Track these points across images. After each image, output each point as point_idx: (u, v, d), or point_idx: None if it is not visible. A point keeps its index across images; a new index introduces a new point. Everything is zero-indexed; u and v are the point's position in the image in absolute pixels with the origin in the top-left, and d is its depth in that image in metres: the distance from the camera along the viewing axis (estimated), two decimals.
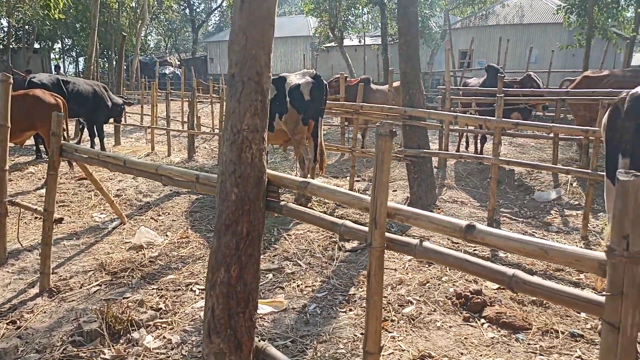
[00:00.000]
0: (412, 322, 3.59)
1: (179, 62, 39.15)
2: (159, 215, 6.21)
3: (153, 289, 4.13)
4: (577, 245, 5.27)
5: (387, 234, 1.82)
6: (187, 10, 49.31)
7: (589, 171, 5.43)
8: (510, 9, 28.50)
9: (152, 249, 5.05)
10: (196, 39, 47.57)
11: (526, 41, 23.90)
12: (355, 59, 27.35)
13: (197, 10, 52.41)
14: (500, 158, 6.18)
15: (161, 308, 3.76)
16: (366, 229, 1.92)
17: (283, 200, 2.34)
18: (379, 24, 21.98)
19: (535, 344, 3.29)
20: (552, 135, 8.17)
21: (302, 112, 6.24)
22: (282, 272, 4.49)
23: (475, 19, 28.20)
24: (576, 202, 6.81)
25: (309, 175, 6.61)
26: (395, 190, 7.64)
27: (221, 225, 2.22)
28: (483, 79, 9.30)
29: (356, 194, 2.06)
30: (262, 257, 4.83)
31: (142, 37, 33.65)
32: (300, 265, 4.63)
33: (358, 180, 8.44)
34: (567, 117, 12.45)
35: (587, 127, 6.00)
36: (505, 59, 18.22)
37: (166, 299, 3.92)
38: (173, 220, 5.99)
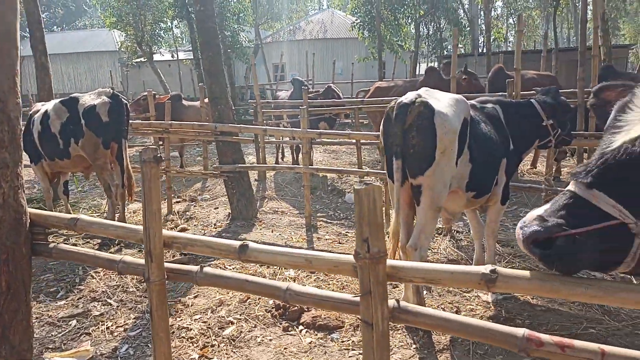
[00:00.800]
0: (233, 342, 3.53)
1: None
2: None
3: None
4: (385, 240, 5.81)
5: (166, 264, 1.72)
6: None
7: (384, 171, 6.04)
8: (314, 24, 30.61)
9: None
10: None
11: (331, 55, 25.92)
12: (169, 74, 26.38)
13: None
14: (309, 166, 6.53)
15: None
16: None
17: (53, 241, 2.06)
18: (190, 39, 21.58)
19: (348, 340, 3.50)
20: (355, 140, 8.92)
21: (101, 135, 5.72)
22: (88, 315, 4.02)
23: (285, 34, 29.64)
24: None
25: (119, 203, 6.09)
26: (217, 208, 7.52)
27: None
28: (291, 92, 9.76)
29: (130, 226, 1.92)
30: (64, 302, 4.31)
31: None
32: (111, 304, 4.21)
33: (179, 201, 8.10)
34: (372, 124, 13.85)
35: (378, 133, 6.69)
36: (313, 71, 19.46)
37: None
38: None
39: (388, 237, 5.06)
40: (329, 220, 6.71)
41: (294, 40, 28.89)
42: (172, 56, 27.11)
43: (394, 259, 3.59)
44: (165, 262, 1.81)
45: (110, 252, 5.48)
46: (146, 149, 1.66)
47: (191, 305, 4.06)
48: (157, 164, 1.65)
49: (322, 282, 4.46)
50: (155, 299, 1.70)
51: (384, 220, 6.07)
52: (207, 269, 1.68)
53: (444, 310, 3.81)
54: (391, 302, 1.43)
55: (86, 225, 1.92)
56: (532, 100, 4.32)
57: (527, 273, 1.33)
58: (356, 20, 20.36)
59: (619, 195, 1.23)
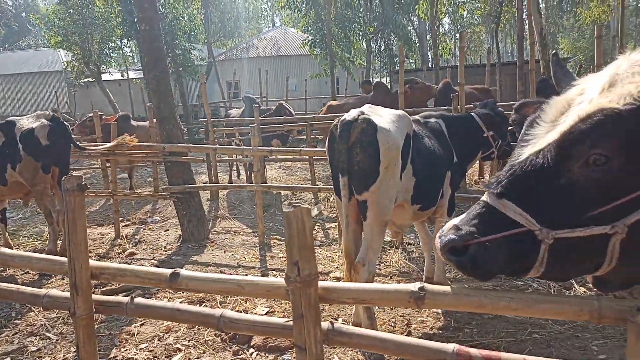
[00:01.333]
0: None
1: None
2: None
3: None
4: (336, 255, 5.81)
5: (95, 297, 1.64)
6: None
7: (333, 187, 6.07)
8: (267, 42, 30.77)
9: None
10: None
11: (284, 72, 26.05)
12: (120, 93, 25.73)
13: None
14: (262, 184, 6.48)
15: None
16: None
17: None
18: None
19: None
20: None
21: (40, 159, 5.48)
22: (24, 352, 3.79)
23: (238, 51, 29.58)
24: (334, 215, 7.55)
25: (61, 229, 5.82)
26: (168, 230, 7.33)
27: None
28: (242, 110, 9.71)
29: (54, 258, 1.82)
30: None
31: None
32: (50, 338, 3.99)
33: (127, 225, 7.84)
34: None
35: None
36: (267, 88, 19.47)
37: None
38: None
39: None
40: (283, 238, 6.63)
41: (248, 57, 28.89)
42: (122, 75, 26.47)
43: (349, 277, 3.57)
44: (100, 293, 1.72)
45: (50, 282, 5.21)
46: (70, 176, 1.59)
47: (137, 334, 3.90)
48: (81, 192, 1.57)
49: (274, 302, 4.39)
50: (82, 335, 1.61)
51: (339, 236, 6.10)
52: (137, 300, 1.61)
53: (395, 323, 3.83)
54: (325, 324, 1.41)
55: (7, 258, 1.80)
56: (472, 113, 4.48)
57: (454, 289, 1.35)
58: (308, 37, 20.60)
59: (525, 204, 1.30)
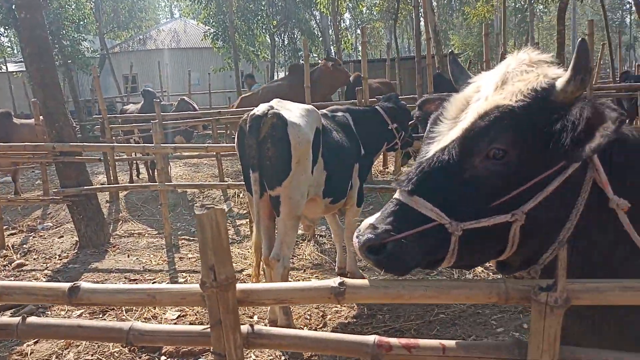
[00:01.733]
0: None
1: None
2: None
3: None
4: (249, 252, 5.71)
5: None
6: None
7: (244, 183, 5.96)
8: (166, 34, 29.34)
9: None
10: None
11: (185, 65, 25.02)
12: None
13: None
14: (167, 183, 6.18)
15: None
16: None
17: None
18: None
19: None
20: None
21: None
22: None
23: (134, 43, 27.91)
24: (245, 211, 7.43)
25: None
26: (62, 236, 6.75)
27: None
28: (141, 105, 9.17)
29: None
30: None
31: None
32: None
33: (14, 233, 7.09)
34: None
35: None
36: (168, 82, 18.62)
37: None
38: None
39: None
40: (192, 238, 6.42)
41: (145, 50, 27.38)
42: (0, 68, 23.81)
43: (257, 272, 3.53)
44: None
45: None
46: None
47: (31, 354, 3.53)
48: None
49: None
50: None
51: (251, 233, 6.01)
52: (30, 319, 1.44)
53: (310, 316, 3.86)
54: (245, 328, 1.36)
55: None
56: (376, 106, 4.62)
57: (372, 282, 1.37)
58: (209, 30, 19.99)
59: (435, 199, 1.35)
